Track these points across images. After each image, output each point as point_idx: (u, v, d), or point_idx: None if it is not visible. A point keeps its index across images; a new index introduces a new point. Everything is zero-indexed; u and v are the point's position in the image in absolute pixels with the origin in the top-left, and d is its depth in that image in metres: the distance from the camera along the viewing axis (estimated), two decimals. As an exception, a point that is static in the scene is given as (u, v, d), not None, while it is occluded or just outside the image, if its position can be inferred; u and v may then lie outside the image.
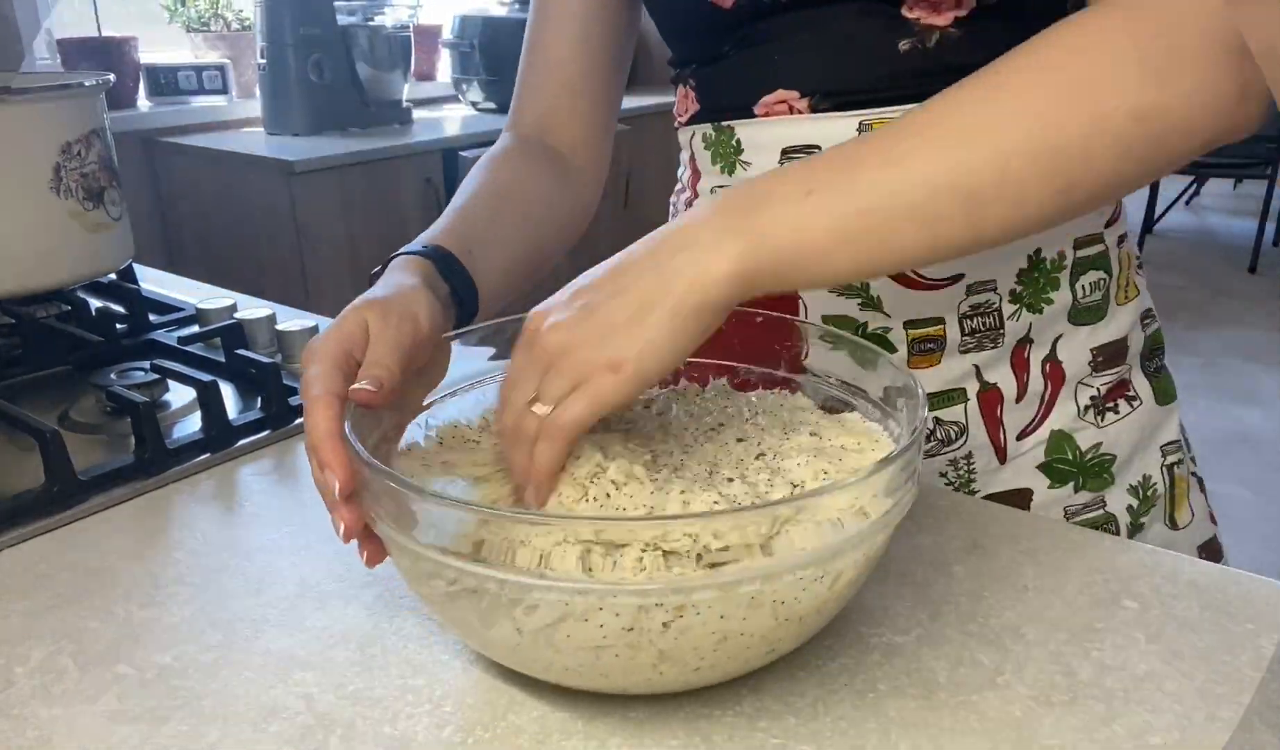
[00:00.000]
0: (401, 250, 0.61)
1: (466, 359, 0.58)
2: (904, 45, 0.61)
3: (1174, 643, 0.47)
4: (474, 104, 2.68)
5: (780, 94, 0.64)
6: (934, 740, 0.42)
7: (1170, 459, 0.72)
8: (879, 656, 0.47)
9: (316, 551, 0.57)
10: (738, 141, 0.68)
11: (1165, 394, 0.73)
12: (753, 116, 0.66)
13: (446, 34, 2.69)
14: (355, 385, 0.48)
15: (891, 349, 0.66)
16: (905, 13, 0.60)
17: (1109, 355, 0.69)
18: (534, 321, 0.48)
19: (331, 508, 0.46)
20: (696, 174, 0.73)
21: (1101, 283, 0.68)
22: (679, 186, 0.78)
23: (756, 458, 0.50)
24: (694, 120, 0.71)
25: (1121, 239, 0.70)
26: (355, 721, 0.43)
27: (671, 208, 0.79)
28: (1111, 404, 0.69)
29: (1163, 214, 4.95)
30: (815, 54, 0.63)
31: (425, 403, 0.56)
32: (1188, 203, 5.45)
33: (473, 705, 0.44)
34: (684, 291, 0.45)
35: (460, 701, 0.45)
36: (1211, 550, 0.74)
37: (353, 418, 0.46)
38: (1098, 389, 0.69)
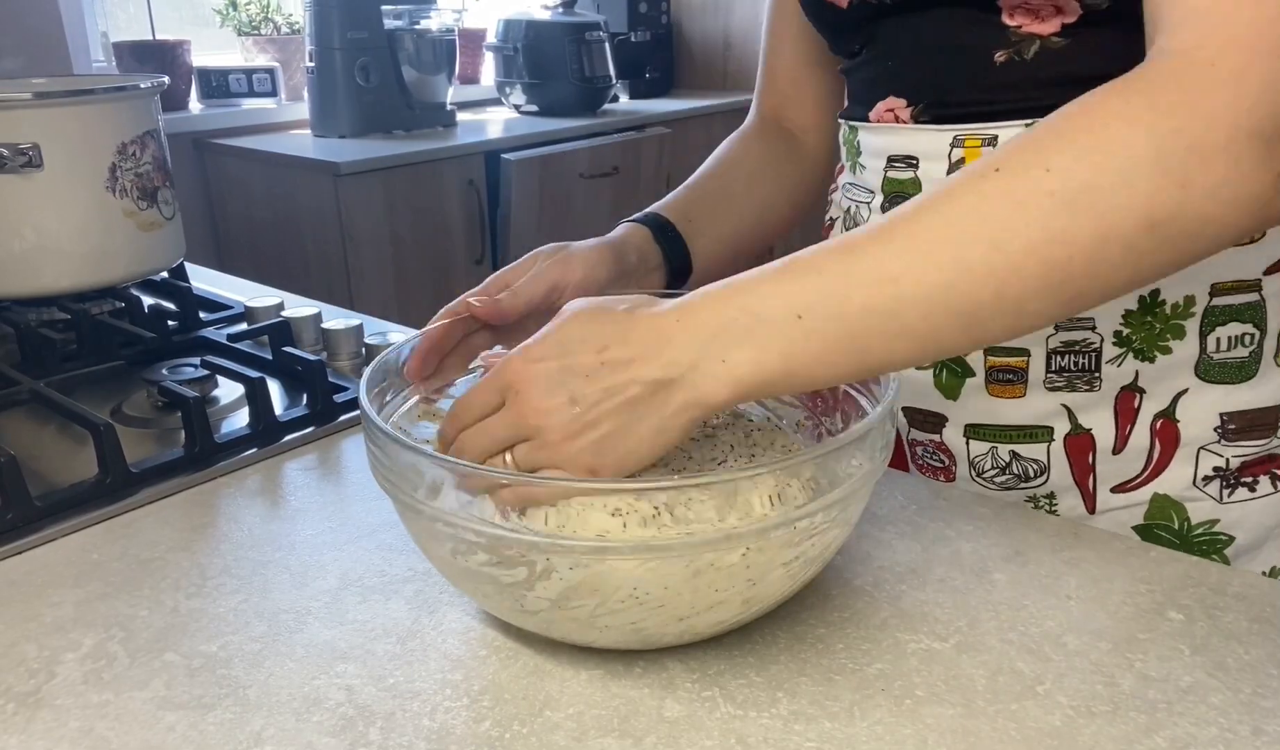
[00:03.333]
0: (630, 218, 0.71)
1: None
2: (1000, 56, 0.58)
3: (1219, 655, 0.47)
4: (517, 107, 2.70)
5: (890, 102, 0.65)
6: (972, 748, 0.41)
7: None
8: (917, 662, 0.47)
9: (359, 546, 0.58)
10: (858, 143, 0.69)
11: None
12: (868, 121, 0.67)
13: (490, 37, 2.71)
14: (474, 299, 0.59)
15: (970, 373, 0.64)
16: (1005, 19, 0.57)
17: (1248, 424, 0.61)
18: (516, 373, 0.47)
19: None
20: (841, 167, 0.76)
21: (1249, 338, 0.59)
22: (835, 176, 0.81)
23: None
24: (842, 115, 0.73)
25: None
26: (395, 713, 0.44)
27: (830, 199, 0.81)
28: (1249, 479, 0.61)
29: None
30: (916, 62, 0.62)
31: None
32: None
33: (510, 700, 0.45)
34: (678, 408, 0.45)
35: (498, 696, 0.45)
36: None
37: (372, 379, 0.52)
38: (1228, 460, 0.61)
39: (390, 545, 0.58)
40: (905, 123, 0.64)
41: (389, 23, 2.30)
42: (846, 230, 0.72)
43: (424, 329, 0.58)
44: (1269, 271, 0.59)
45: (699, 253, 0.72)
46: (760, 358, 0.44)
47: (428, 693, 0.45)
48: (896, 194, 0.66)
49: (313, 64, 2.28)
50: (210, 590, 0.54)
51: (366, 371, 0.52)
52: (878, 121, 0.66)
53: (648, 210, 0.73)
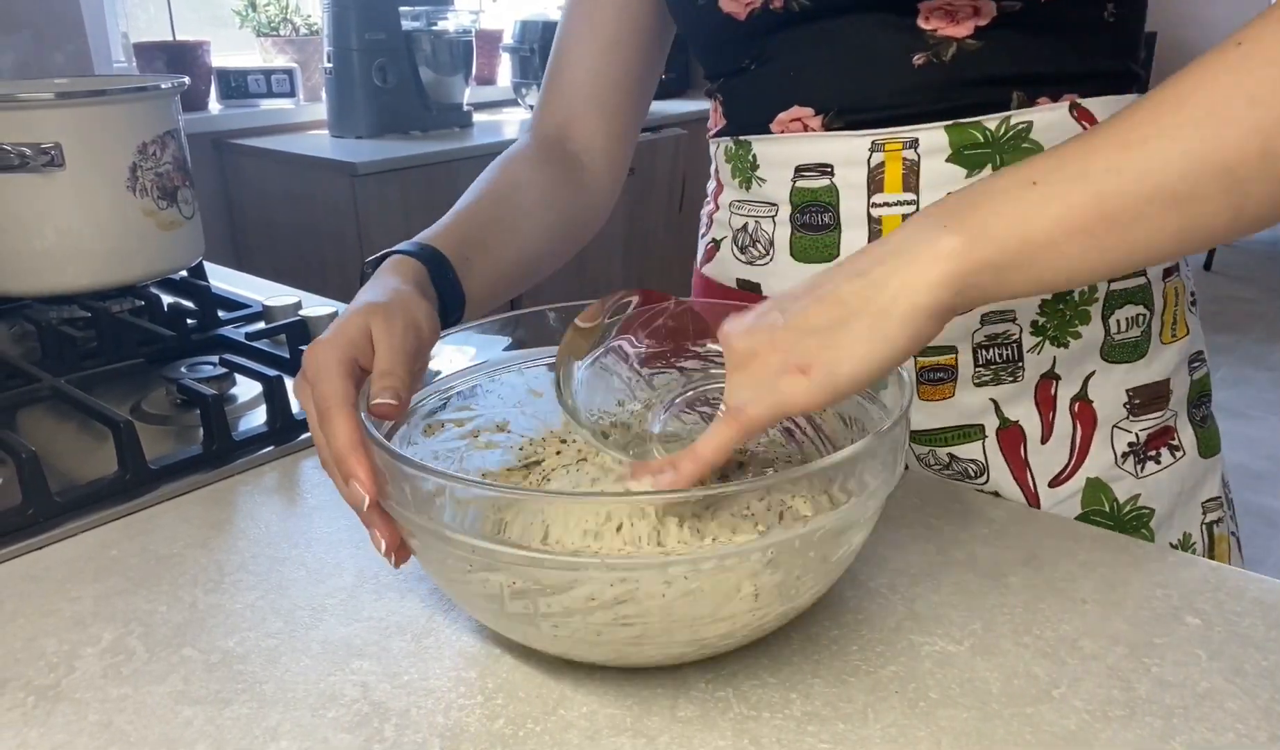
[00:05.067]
0: (397, 248, 0.60)
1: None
2: (918, 59, 0.59)
3: (1237, 660, 0.46)
4: (532, 107, 2.71)
5: (795, 111, 0.64)
6: (986, 751, 0.41)
7: (1211, 516, 0.68)
8: (931, 665, 0.47)
9: (374, 544, 0.58)
10: (754, 157, 0.68)
11: (1210, 446, 0.68)
12: (769, 133, 0.66)
13: (507, 39, 2.72)
14: (376, 400, 0.47)
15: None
16: (921, 24, 0.59)
17: (1149, 398, 0.65)
18: (724, 335, 0.45)
19: (367, 522, 0.47)
20: (720, 186, 0.74)
21: (1141, 318, 0.64)
22: (707, 198, 0.78)
23: None
24: (719, 134, 0.72)
25: (1169, 272, 0.66)
26: (410, 710, 0.44)
27: (702, 221, 0.79)
28: (1153, 452, 0.65)
29: (1235, 223, 4.81)
30: (829, 69, 0.62)
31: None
32: (1262, 212, 5.28)
33: (524, 698, 0.45)
34: (891, 298, 0.41)
35: (512, 694, 0.45)
36: None
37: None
38: (1137, 435, 0.65)
39: (406, 543, 0.58)
40: (816, 130, 0.64)
41: (406, 24, 2.31)
42: (739, 249, 0.71)
43: (341, 448, 0.46)
44: None
45: (471, 293, 0.63)
46: (990, 223, 0.41)
47: (442, 690, 0.46)
48: (810, 204, 0.65)
49: (330, 65, 2.29)
50: (228, 586, 0.54)
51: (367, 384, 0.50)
52: (782, 132, 0.65)
53: (418, 243, 0.61)
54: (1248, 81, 0.40)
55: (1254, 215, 0.42)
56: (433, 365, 0.57)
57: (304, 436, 0.72)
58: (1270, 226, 0.43)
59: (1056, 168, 0.42)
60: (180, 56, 2.26)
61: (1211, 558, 0.68)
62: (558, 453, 0.55)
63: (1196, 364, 0.68)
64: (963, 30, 0.58)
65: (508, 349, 0.61)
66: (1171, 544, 0.66)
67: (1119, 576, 0.53)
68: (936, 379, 0.64)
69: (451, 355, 0.60)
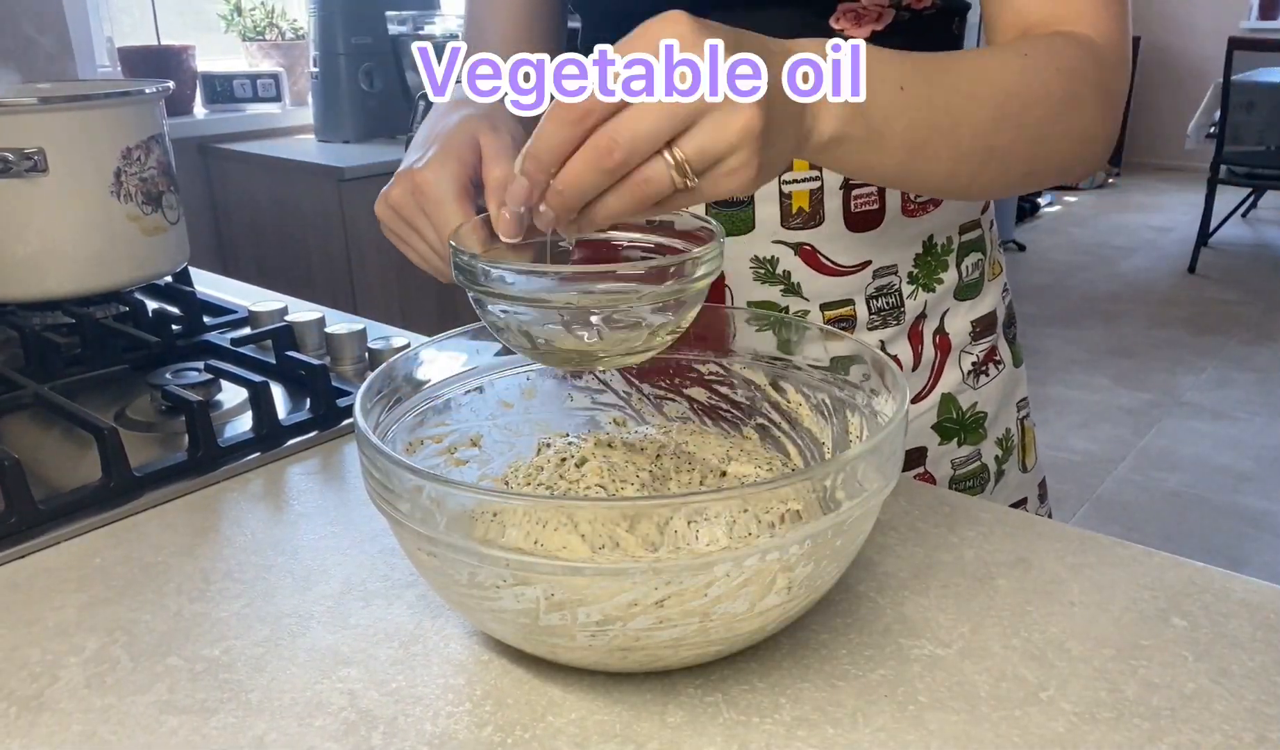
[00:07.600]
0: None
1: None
2: None
3: (1223, 661, 0.46)
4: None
5: None
6: (975, 754, 0.41)
7: (1022, 413, 0.83)
8: (920, 668, 0.47)
9: (362, 551, 0.58)
10: None
11: (1018, 358, 0.83)
12: None
13: (494, 43, 2.72)
14: (508, 214, 0.47)
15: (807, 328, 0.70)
16: (832, 23, 0.66)
17: (984, 326, 0.78)
18: (661, 28, 0.43)
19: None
20: None
21: (979, 263, 0.78)
22: None
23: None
24: None
25: (991, 223, 0.81)
26: (397, 718, 0.44)
27: None
28: (984, 368, 0.79)
29: (1218, 226, 4.85)
30: None
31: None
32: (1244, 215, 5.33)
33: (513, 705, 0.45)
34: (809, 111, 0.48)
35: (501, 701, 0.45)
36: (1043, 487, 0.86)
37: (367, 397, 0.50)
38: (977, 356, 0.78)
39: (393, 550, 0.58)
40: None
41: (393, 28, 2.31)
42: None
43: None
44: (983, 211, 0.79)
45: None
46: (876, 90, 0.49)
47: (430, 698, 0.45)
48: None
49: (317, 69, 2.28)
50: (213, 594, 0.54)
51: (363, 386, 0.51)
52: None
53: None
54: (1031, 84, 0.54)
55: (956, 189, 0.56)
56: (421, 374, 0.57)
57: (290, 442, 0.72)
58: (953, 198, 0.68)
59: (917, 87, 0.51)
60: (165, 61, 2.25)
61: (1024, 445, 0.83)
62: (545, 467, 0.54)
63: (1006, 294, 0.83)
64: (863, 32, 0.66)
65: (498, 355, 0.61)
66: (998, 438, 0.80)
67: (1106, 578, 0.53)
68: (842, 327, 0.73)
69: (445, 364, 0.59)
